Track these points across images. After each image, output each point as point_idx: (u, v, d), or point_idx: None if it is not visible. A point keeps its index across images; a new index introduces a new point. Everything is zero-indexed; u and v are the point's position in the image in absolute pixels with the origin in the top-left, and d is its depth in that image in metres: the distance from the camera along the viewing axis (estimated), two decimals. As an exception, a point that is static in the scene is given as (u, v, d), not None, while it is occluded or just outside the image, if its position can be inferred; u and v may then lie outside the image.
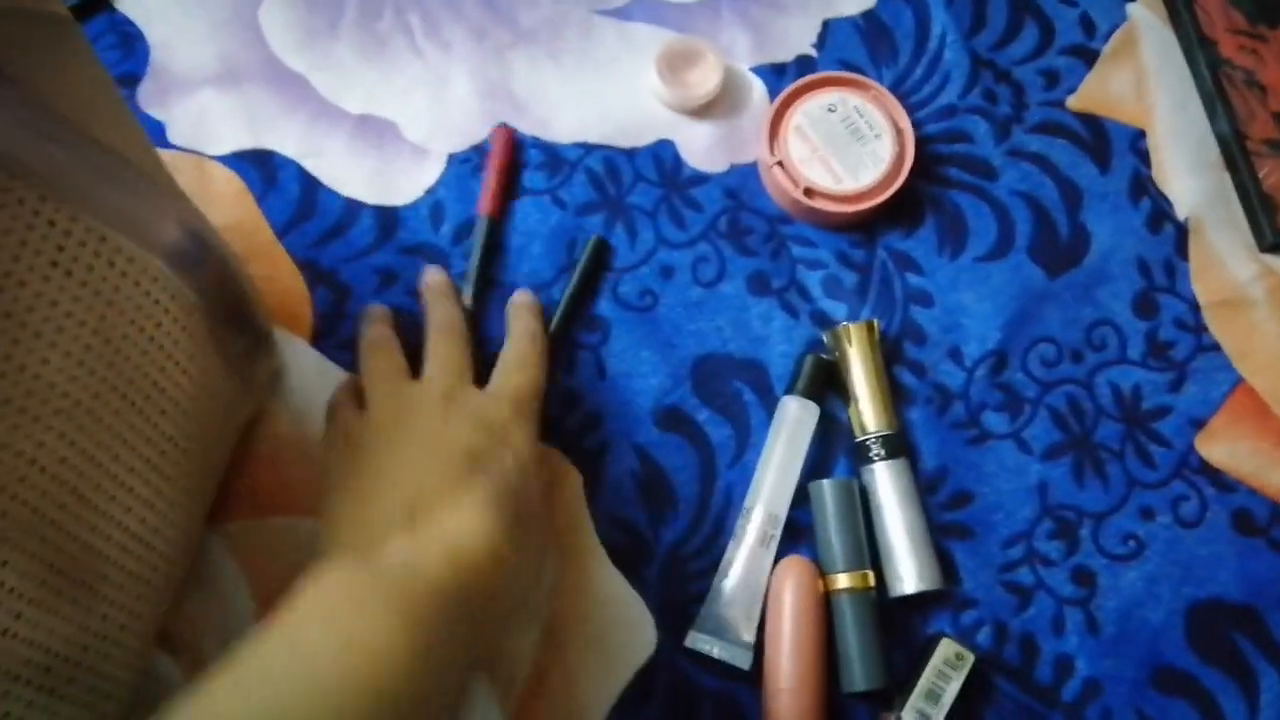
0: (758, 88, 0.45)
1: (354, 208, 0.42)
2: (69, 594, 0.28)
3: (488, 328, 0.41)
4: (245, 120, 0.43)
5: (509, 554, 0.31)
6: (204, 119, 0.43)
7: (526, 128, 0.44)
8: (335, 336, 0.41)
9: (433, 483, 0.32)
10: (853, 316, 0.42)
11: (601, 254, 0.42)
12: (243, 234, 0.42)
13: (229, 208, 0.42)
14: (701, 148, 0.44)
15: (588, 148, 0.43)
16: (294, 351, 0.41)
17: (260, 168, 0.43)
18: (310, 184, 0.43)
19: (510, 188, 0.43)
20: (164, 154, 0.42)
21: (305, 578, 0.28)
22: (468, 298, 0.41)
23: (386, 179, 0.43)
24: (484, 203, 0.42)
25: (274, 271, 0.41)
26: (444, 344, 0.38)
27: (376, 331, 0.39)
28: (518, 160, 0.43)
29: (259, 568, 0.38)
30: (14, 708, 0.26)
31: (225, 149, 0.43)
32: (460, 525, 0.31)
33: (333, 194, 0.42)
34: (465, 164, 0.43)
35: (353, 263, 0.42)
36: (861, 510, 0.39)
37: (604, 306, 0.42)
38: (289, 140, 0.43)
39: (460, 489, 0.32)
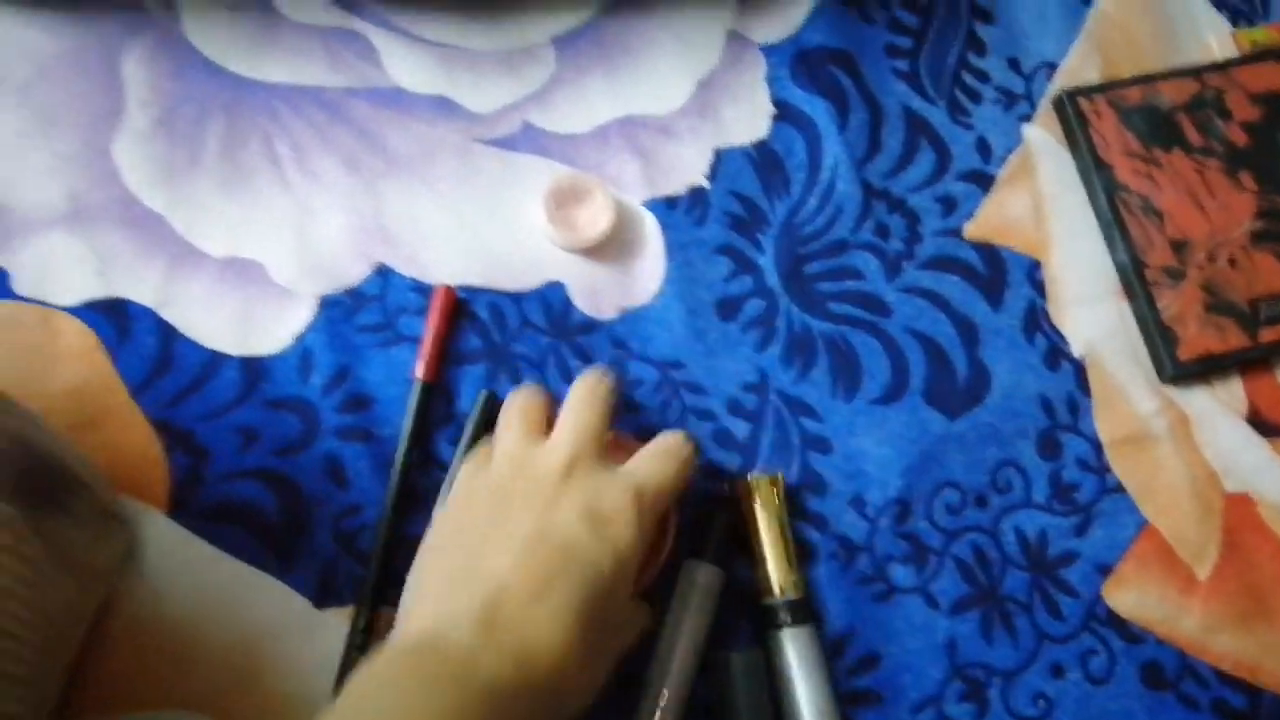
0: (650, 223, 0.43)
1: (216, 359, 0.39)
2: None
3: (362, 493, 0.38)
4: (96, 266, 0.40)
5: (580, 666, 0.32)
6: (51, 265, 0.40)
7: (401, 267, 0.41)
8: (194, 504, 0.37)
9: (519, 578, 0.32)
10: (747, 468, 0.40)
11: (493, 410, 0.39)
12: (92, 395, 0.38)
13: (78, 365, 0.39)
14: (591, 290, 0.42)
15: (471, 291, 0.41)
16: (149, 523, 0.37)
17: (114, 318, 0.39)
18: (168, 334, 0.39)
19: (448, 353, 0.40)
20: (7, 305, 0.39)
21: (383, 650, 0.31)
22: (397, 468, 0.38)
23: (251, 325, 0.40)
24: (420, 367, 0.39)
25: (126, 436, 0.38)
26: (584, 408, 0.36)
27: (526, 389, 0.38)
28: (456, 323, 0.41)
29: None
30: None
31: (75, 299, 0.39)
32: (536, 632, 0.31)
33: (193, 345, 0.39)
34: (336, 307, 0.40)
35: (212, 421, 0.38)
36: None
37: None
38: (146, 287, 0.40)
39: (545, 591, 0.32)
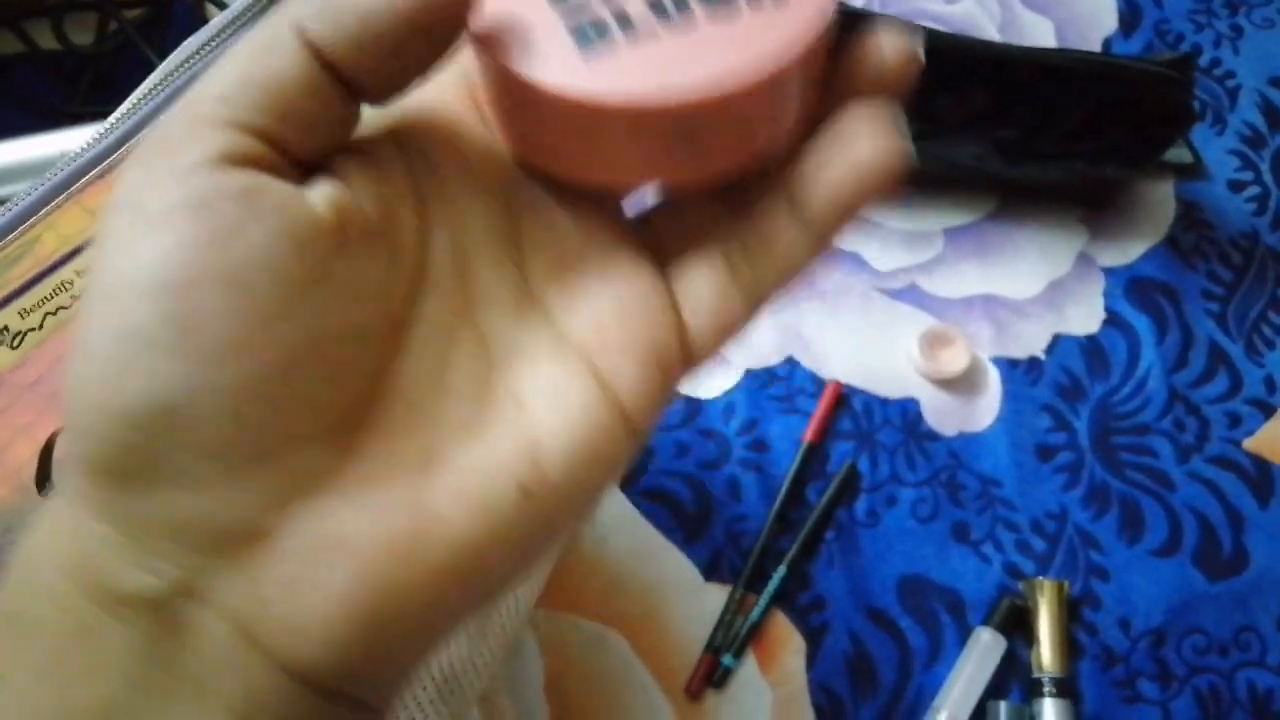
0: (994, 374, 0.56)
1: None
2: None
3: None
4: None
5: None
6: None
7: (806, 362, 0.56)
8: (637, 485, 0.52)
9: None
10: (1040, 574, 0.52)
11: (853, 477, 0.53)
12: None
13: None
14: (939, 410, 0.55)
15: (852, 389, 0.56)
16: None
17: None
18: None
19: (829, 428, 0.55)
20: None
21: None
22: (780, 498, 0.52)
23: (696, 379, 0.56)
24: (809, 433, 0.54)
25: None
26: None
27: None
28: (837, 409, 0.55)
29: (550, 653, 0.49)
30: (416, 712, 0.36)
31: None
32: None
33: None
34: (756, 378, 0.56)
35: (661, 433, 0.54)
36: (1026, 732, 0.48)
37: (842, 514, 0.53)
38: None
39: None
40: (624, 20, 0.19)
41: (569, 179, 0.21)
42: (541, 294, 0.21)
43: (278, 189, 0.18)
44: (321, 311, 0.18)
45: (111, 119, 0.33)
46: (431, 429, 0.19)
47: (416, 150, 0.20)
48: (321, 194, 0.18)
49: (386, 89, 0.19)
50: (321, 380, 0.18)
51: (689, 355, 0.21)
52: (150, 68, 0.59)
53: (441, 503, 0.18)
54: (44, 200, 0.31)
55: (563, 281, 0.21)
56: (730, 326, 0.21)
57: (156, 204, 0.17)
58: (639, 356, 0.20)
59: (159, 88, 0.33)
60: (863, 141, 0.19)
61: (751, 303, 0.21)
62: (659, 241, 0.22)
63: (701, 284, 0.21)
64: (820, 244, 0.21)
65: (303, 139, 0.18)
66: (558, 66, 0.19)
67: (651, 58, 0.19)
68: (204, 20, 0.62)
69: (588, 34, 0.19)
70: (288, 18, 0.18)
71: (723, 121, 0.19)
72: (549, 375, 0.20)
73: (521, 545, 0.19)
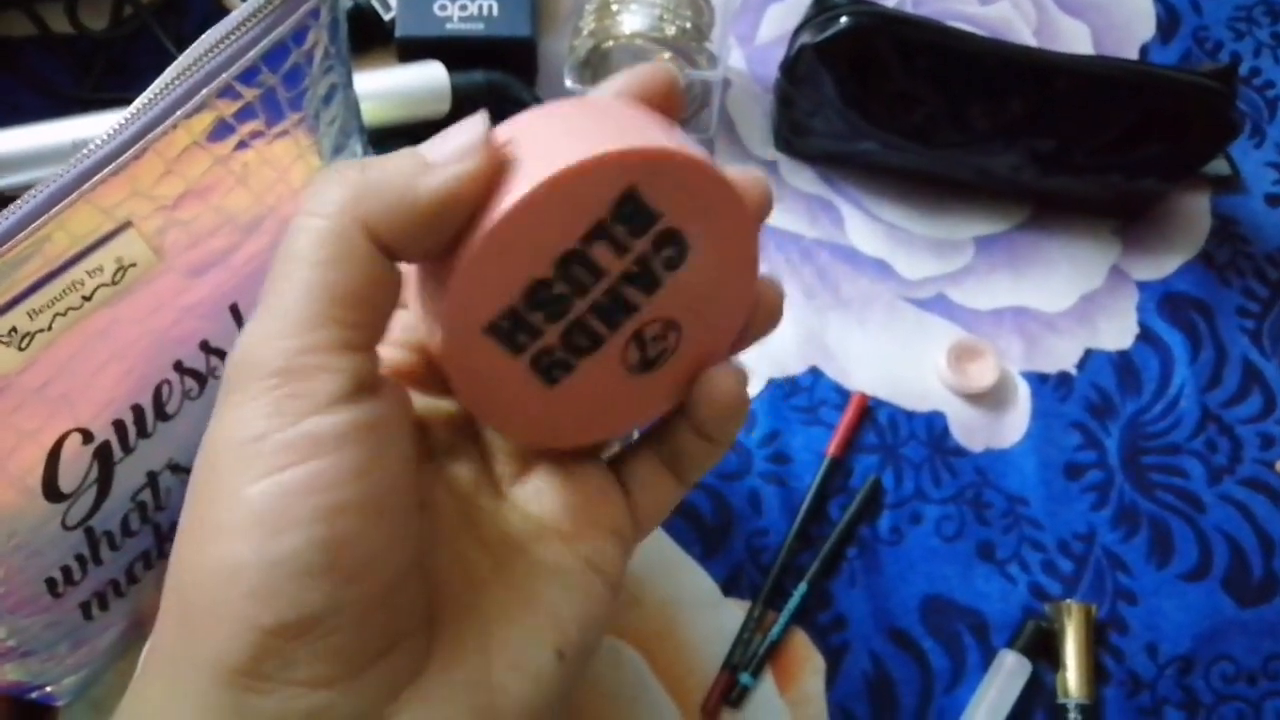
0: (1023, 389, 0.55)
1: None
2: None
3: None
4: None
5: None
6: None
7: (830, 373, 0.55)
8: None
9: None
10: (1065, 596, 0.50)
11: (876, 493, 0.52)
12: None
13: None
14: (966, 425, 0.54)
15: (878, 401, 0.54)
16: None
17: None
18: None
19: (854, 441, 0.53)
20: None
21: None
22: (801, 512, 0.51)
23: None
24: (832, 446, 0.53)
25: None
26: None
27: None
28: (862, 422, 0.54)
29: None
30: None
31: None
32: None
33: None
34: (779, 388, 0.54)
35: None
36: (1050, 759, 0.46)
37: (864, 531, 0.51)
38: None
39: None
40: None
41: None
42: (508, 486, 0.26)
43: (402, 414, 0.21)
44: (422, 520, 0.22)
45: (126, 114, 0.31)
46: (476, 617, 0.23)
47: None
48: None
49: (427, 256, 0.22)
50: (422, 583, 0.22)
51: (639, 529, 0.27)
52: (166, 54, 0.58)
53: (503, 677, 0.22)
54: (55, 198, 0.30)
55: (528, 475, 0.26)
56: (667, 506, 0.28)
57: (295, 435, 0.19)
58: (611, 535, 0.26)
59: (176, 82, 0.32)
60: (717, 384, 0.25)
61: (684, 487, 0.27)
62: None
63: (642, 473, 0.27)
64: (721, 445, 0.26)
65: (381, 330, 0.21)
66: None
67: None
68: (221, 6, 0.60)
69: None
70: (353, 220, 0.20)
71: None
72: (552, 562, 0.24)
73: (564, 697, 0.23)
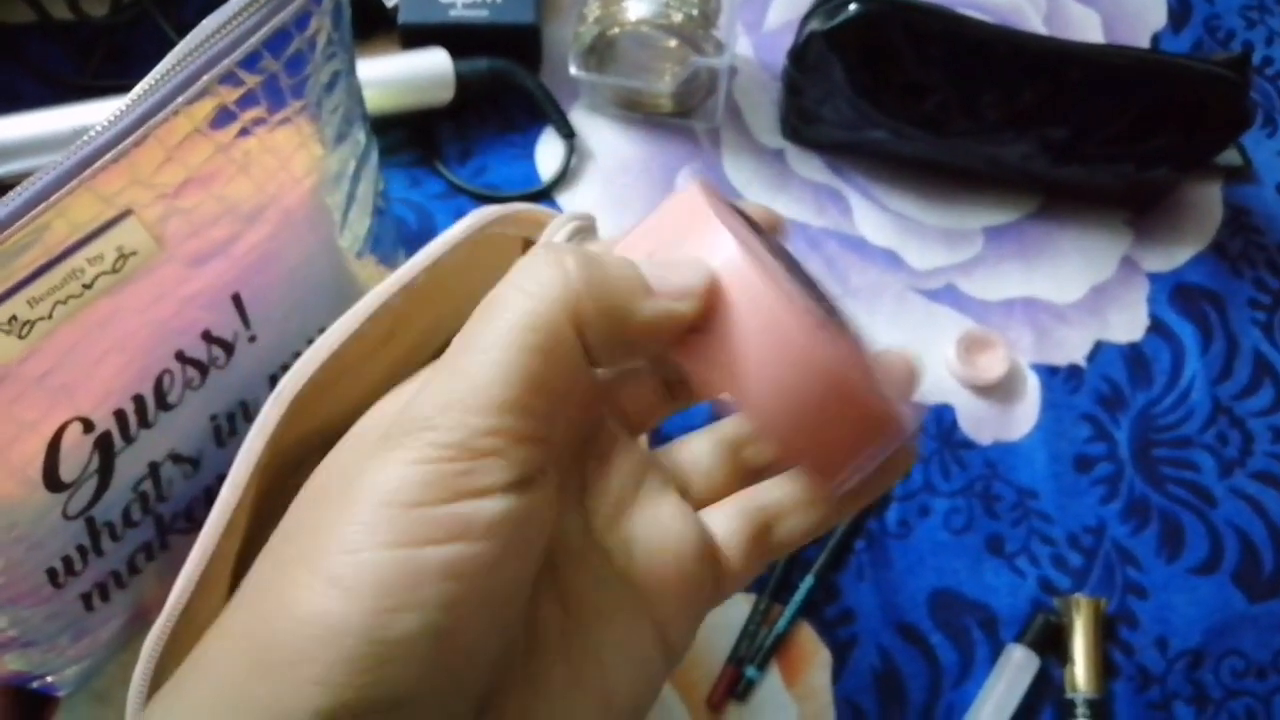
0: (1033, 381, 0.54)
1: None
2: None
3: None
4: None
5: None
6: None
7: (837, 365, 0.54)
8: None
9: None
10: (1075, 590, 0.50)
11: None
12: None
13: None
14: (975, 418, 0.54)
15: (885, 394, 0.54)
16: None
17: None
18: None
19: None
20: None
21: None
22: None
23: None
24: None
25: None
26: None
27: None
28: None
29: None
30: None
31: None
32: None
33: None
34: (785, 381, 0.54)
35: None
36: (1058, 754, 0.46)
37: (872, 524, 0.51)
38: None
39: None
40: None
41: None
42: (602, 536, 0.24)
43: (547, 507, 0.21)
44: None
45: (126, 101, 0.31)
46: (529, 690, 0.22)
47: None
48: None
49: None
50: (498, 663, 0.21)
51: (721, 591, 0.25)
52: (166, 40, 0.57)
53: None
54: (55, 186, 0.29)
55: (620, 525, 0.24)
56: (758, 565, 0.25)
57: (447, 513, 0.18)
58: (688, 601, 0.24)
59: (177, 68, 0.31)
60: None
61: (773, 555, 0.25)
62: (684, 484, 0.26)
63: (731, 527, 0.25)
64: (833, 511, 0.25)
65: (562, 426, 0.21)
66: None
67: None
68: (223, -7, 0.59)
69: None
70: (568, 314, 0.20)
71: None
72: (621, 633, 0.23)
73: None
